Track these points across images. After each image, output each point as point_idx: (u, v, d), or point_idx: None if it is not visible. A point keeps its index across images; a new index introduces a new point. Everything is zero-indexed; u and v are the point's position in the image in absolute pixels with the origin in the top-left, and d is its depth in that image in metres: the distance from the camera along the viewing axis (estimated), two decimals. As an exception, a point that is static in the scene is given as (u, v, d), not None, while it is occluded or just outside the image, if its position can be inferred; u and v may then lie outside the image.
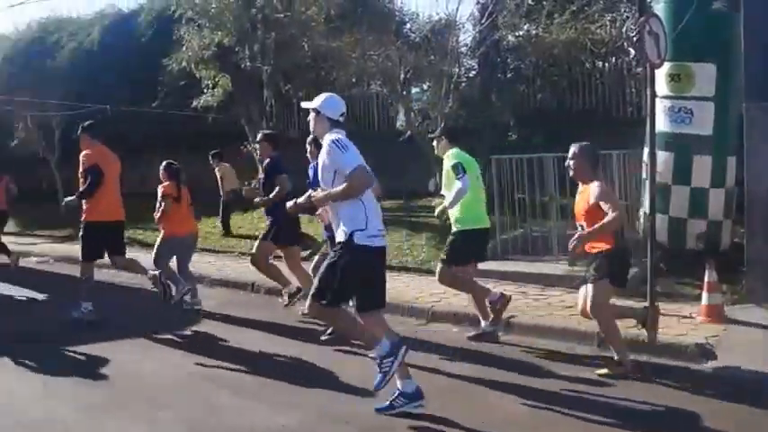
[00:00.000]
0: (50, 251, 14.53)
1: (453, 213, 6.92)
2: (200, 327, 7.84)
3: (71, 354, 6.88)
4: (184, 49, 14.77)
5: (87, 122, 8.55)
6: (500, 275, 8.82)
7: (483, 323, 6.87)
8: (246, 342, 7.09)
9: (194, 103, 15.28)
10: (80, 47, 20.10)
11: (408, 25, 15.58)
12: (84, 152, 8.12)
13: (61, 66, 19.89)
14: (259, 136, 8.52)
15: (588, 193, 5.70)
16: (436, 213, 7.41)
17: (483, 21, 11.96)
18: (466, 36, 12.89)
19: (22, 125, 19.55)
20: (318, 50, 13.42)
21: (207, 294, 9.41)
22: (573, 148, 5.92)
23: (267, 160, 8.07)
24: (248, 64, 14.29)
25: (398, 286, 8.89)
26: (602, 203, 5.52)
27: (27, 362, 6.58)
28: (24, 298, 10.05)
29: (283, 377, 5.88)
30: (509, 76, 14.56)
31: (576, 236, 5.60)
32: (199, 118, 15.99)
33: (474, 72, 14.35)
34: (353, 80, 13.40)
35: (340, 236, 4.95)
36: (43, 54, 20.54)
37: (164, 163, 8.85)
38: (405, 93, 12.43)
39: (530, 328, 6.95)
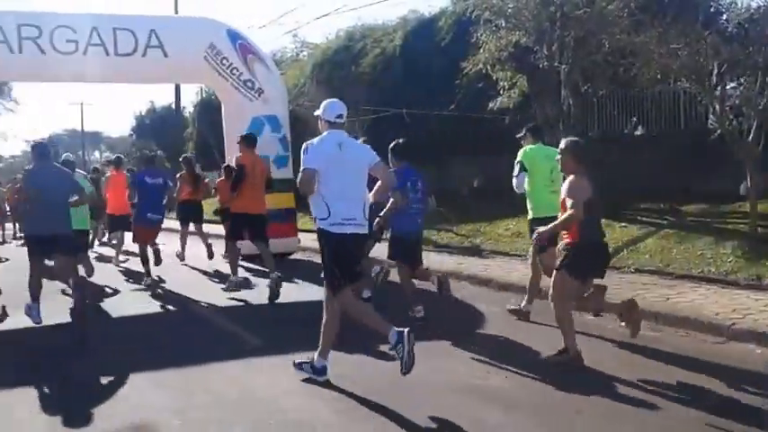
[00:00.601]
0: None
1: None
2: (479, 331, 7.94)
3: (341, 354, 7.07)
4: (481, 50, 15.27)
5: (244, 134, 11.10)
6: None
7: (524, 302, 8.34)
8: (522, 353, 6.95)
9: (490, 105, 15.70)
10: (383, 53, 21.54)
11: (725, 16, 14.81)
12: (236, 156, 10.85)
13: (365, 71, 21.46)
14: None
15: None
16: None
17: (807, 5, 11.09)
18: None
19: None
20: (618, 46, 13.20)
21: (491, 299, 9.71)
22: (561, 144, 6.70)
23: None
24: (545, 63, 14.41)
25: (696, 299, 8.55)
26: (567, 199, 6.28)
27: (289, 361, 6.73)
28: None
29: (558, 390, 5.70)
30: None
31: (538, 231, 6.66)
32: (495, 120, 16.42)
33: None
34: (658, 77, 12.97)
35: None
36: (349, 61, 22.33)
37: None
38: (717, 88, 11.83)
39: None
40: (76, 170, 11.57)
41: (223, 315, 9.58)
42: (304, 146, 5.97)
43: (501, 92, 15.62)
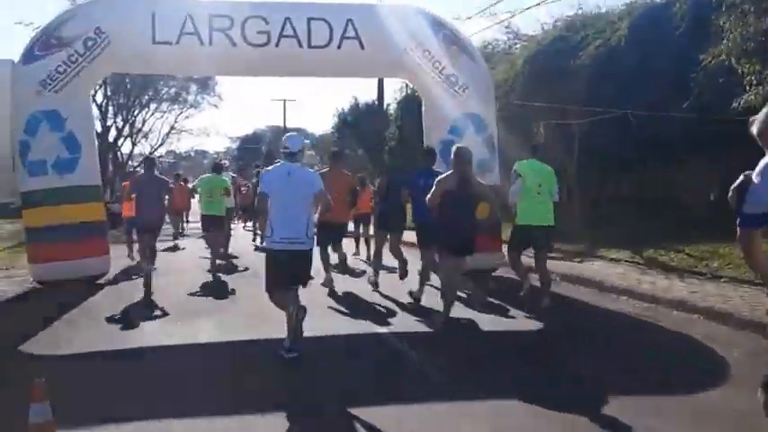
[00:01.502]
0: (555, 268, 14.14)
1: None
2: (714, 386, 6.77)
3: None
4: (724, 40, 13.83)
5: (334, 150, 14.70)
6: None
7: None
8: None
9: (734, 104, 13.98)
10: (605, 44, 19.99)
11: None
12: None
13: (584, 64, 19.99)
14: None
15: None
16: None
17: None
18: None
19: (540, 130, 20.20)
20: None
21: (732, 339, 8.52)
22: (453, 148, 9.44)
23: None
24: (808, 55, 12.66)
25: None
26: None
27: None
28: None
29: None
30: None
31: None
32: (739, 121, 14.60)
33: None
34: None
35: None
36: (566, 53, 20.90)
37: None
38: None
39: None
40: (227, 172, 17.06)
41: (406, 341, 9.01)
42: (261, 173, 7.70)
43: (747, 88, 13.84)
